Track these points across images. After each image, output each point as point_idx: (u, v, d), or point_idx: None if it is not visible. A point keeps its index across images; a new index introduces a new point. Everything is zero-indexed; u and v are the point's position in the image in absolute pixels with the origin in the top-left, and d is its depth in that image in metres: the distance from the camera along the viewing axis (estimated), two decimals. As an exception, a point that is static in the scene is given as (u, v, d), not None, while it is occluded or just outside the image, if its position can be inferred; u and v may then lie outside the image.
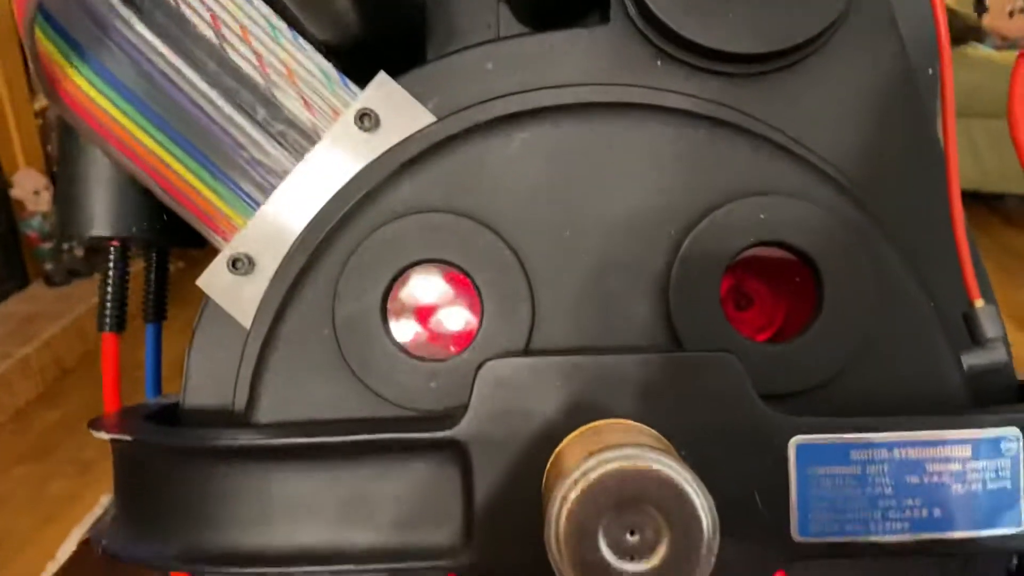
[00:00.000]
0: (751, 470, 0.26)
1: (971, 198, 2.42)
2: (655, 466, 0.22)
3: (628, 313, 0.29)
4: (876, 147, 0.31)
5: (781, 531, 0.27)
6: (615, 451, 0.22)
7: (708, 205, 0.29)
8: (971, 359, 0.31)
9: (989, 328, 0.31)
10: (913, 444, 0.27)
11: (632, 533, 0.22)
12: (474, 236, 0.29)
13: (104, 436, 0.29)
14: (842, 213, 0.30)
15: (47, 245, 2.08)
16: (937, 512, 0.27)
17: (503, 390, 0.27)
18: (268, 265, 0.32)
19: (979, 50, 2.53)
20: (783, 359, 0.29)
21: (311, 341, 0.30)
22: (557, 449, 0.26)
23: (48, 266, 2.09)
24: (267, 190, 0.34)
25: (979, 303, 0.32)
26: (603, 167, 0.30)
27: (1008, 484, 0.27)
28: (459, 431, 0.27)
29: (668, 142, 0.29)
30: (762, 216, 0.29)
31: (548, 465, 0.26)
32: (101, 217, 0.34)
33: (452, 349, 0.31)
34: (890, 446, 0.26)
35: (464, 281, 0.30)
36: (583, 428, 0.26)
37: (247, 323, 0.32)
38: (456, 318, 0.31)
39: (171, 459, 0.28)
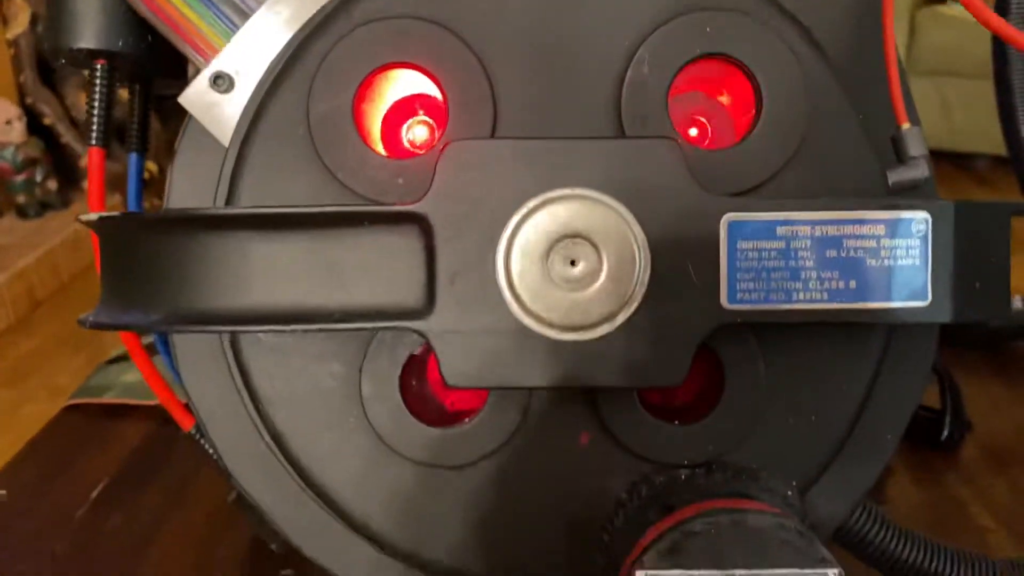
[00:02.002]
0: (687, 244, 0.29)
1: (942, 158, 2.47)
2: (599, 204, 0.25)
3: (584, 114, 0.32)
4: None
5: (712, 298, 0.29)
6: (563, 191, 0.25)
7: (660, 18, 0.32)
8: (895, 176, 0.34)
9: (913, 147, 0.34)
10: (834, 222, 0.29)
11: (573, 264, 0.25)
12: (439, 40, 0.32)
13: (93, 216, 0.32)
14: (780, 29, 0.32)
15: (20, 177, 2.08)
16: (853, 284, 0.29)
17: (464, 168, 0.29)
18: (248, 83, 0.34)
19: (953, 9, 2.56)
20: (721, 163, 0.32)
21: (287, 139, 0.32)
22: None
23: (20, 199, 2.09)
24: (247, 14, 0.36)
25: (905, 125, 0.35)
26: None
27: (917, 262, 0.30)
28: (422, 204, 0.30)
29: None
30: (708, 29, 0.32)
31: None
32: (88, 30, 0.36)
33: (420, 152, 0.33)
34: (812, 224, 0.29)
35: (432, 86, 0.33)
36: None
37: (226, 140, 0.34)
38: (424, 124, 0.34)
39: (156, 232, 0.31)
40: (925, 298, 0.30)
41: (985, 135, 2.34)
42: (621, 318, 0.25)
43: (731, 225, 0.29)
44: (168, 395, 0.38)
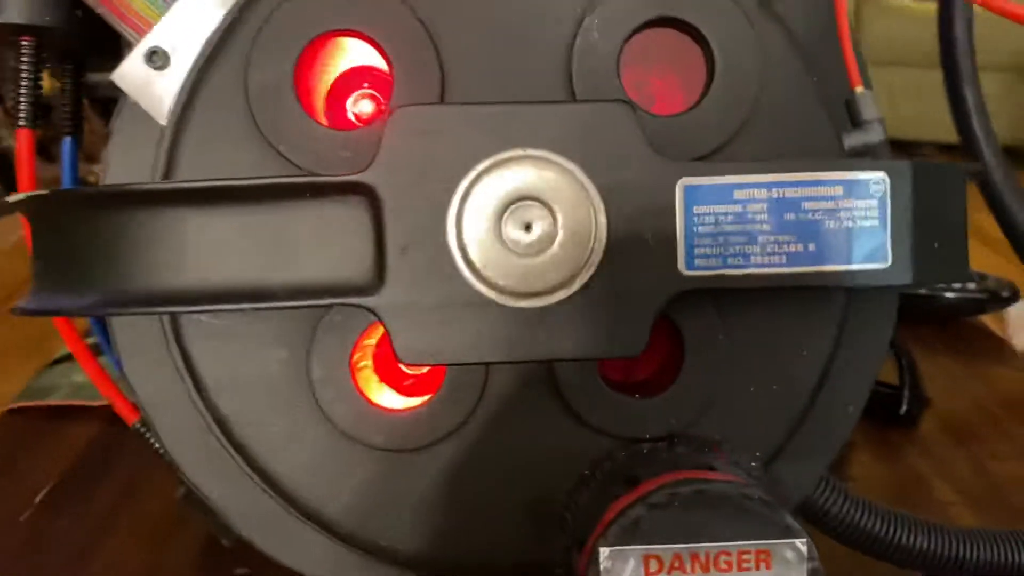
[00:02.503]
0: (642, 209, 0.28)
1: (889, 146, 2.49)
2: (552, 161, 0.24)
3: (534, 80, 0.31)
4: None
5: (669, 265, 0.29)
6: (515, 151, 0.24)
7: None
8: (850, 140, 0.33)
9: (867, 111, 0.34)
10: (791, 184, 0.29)
11: (528, 228, 0.24)
12: (382, 5, 0.31)
13: (22, 196, 0.30)
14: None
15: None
16: (811, 247, 0.29)
17: (412, 134, 0.28)
18: (184, 59, 0.33)
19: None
20: (675, 128, 0.31)
21: (226, 112, 0.31)
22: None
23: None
24: (182, -12, 0.34)
25: (859, 89, 0.34)
26: None
27: (876, 223, 0.29)
28: (368, 174, 0.28)
29: None
30: None
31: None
32: (12, 3, 0.34)
33: (361, 122, 0.32)
34: (770, 186, 0.29)
35: (375, 54, 0.32)
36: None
37: (162, 118, 0.33)
38: (370, 98, 0.33)
39: (88, 209, 0.29)
40: (885, 260, 0.29)
41: (931, 123, 2.38)
42: (578, 283, 0.24)
43: (687, 189, 0.29)
44: (110, 387, 0.37)
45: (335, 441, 0.31)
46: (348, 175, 0.28)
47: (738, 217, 0.29)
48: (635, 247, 0.28)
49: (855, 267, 0.29)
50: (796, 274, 0.29)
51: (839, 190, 0.29)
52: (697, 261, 0.29)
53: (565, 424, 0.32)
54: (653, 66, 0.33)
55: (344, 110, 0.33)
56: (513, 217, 0.24)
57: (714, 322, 0.31)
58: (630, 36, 0.31)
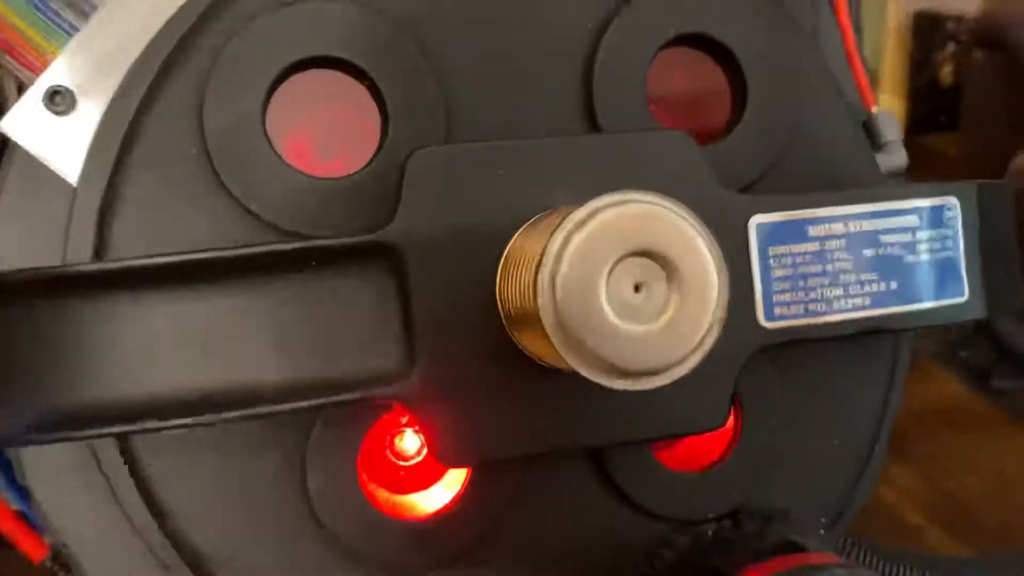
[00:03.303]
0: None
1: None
2: (671, 214, 0.19)
3: (550, 111, 0.26)
4: None
5: (749, 318, 0.24)
6: (621, 195, 0.19)
7: None
8: (882, 164, 0.31)
9: (888, 131, 0.31)
10: (867, 216, 0.25)
11: (637, 290, 0.19)
12: (373, 29, 0.25)
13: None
14: (763, 8, 0.28)
15: None
16: (893, 285, 0.26)
17: (438, 181, 0.23)
18: (97, 96, 0.26)
19: None
20: (716, 158, 0.27)
21: (175, 165, 0.24)
22: (514, 239, 0.23)
23: None
24: (88, 12, 0.27)
25: (875, 109, 0.32)
26: None
27: (952, 253, 0.26)
28: (389, 232, 0.23)
29: None
30: (683, 6, 0.27)
31: (503, 260, 0.23)
32: None
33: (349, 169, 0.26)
34: (846, 219, 0.25)
35: (358, 87, 0.26)
36: (541, 216, 0.22)
37: (72, 172, 0.25)
38: (352, 132, 0.27)
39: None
40: (963, 293, 0.26)
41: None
42: (692, 361, 0.20)
43: (759, 228, 0.25)
44: (10, 520, 0.29)
45: (343, 565, 0.25)
46: (362, 236, 0.23)
47: (816, 257, 0.25)
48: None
49: (938, 304, 0.26)
50: (881, 317, 0.25)
51: (915, 220, 0.26)
52: (777, 311, 0.25)
53: (614, 511, 0.27)
54: (674, 92, 0.29)
55: (316, 151, 0.27)
56: (617, 277, 0.19)
57: (771, 376, 0.27)
58: (655, 55, 0.27)
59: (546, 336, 0.19)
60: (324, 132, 0.26)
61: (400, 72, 0.25)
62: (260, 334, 0.22)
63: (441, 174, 0.23)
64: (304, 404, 0.22)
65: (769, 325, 0.25)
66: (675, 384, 0.23)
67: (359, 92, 0.26)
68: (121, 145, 0.24)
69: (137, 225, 0.24)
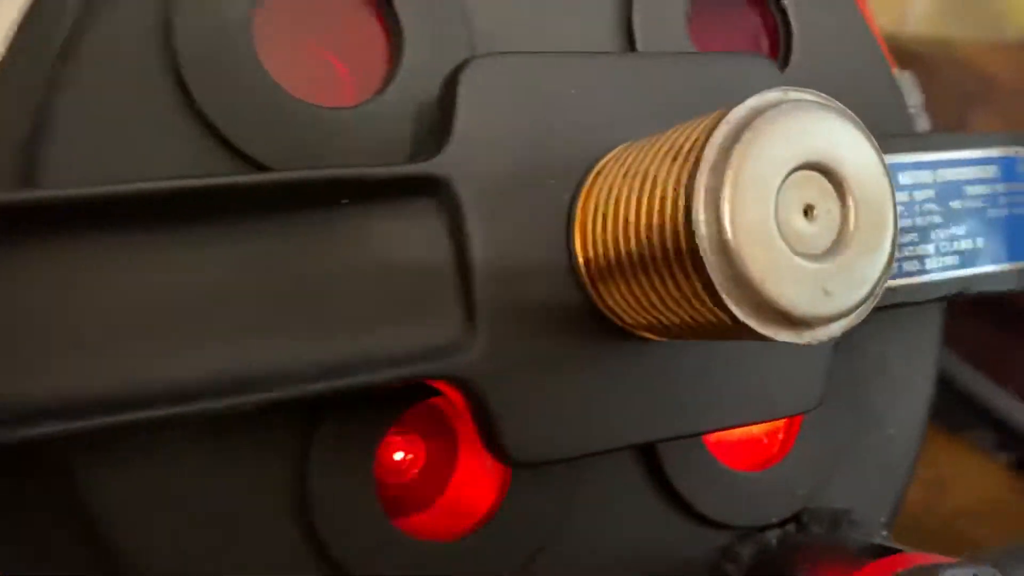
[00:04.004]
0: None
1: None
2: (845, 119, 0.15)
3: (584, 29, 0.22)
4: None
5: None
6: (781, 92, 0.15)
7: None
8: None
9: (910, 95, 0.29)
10: (951, 163, 0.22)
11: (806, 215, 0.15)
12: None
13: None
14: None
15: None
16: (980, 242, 0.23)
17: (501, 97, 0.18)
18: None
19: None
20: None
21: (130, 78, 0.18)
22: (596, 169, 0.18)
23: None
24: None
25: (897, 71, 0.29)
26: None
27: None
28: (443, 161, 0.17)
29: None
30: None
31: (585, 196, 0.18)
32: None
33: (356, 97, 0.21)
34: (934, 166, 0.22)
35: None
36: (632, 141, 0.18)
37: None
38: (354, 53, 0.21)
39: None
40: (1041, 255, 0.24)
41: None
42: (867, 308, 0.15)
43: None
44: None
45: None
46: (410, 165, 0.17)
47: (907, 208, 0.22)
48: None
49: (1019, 265, 0.23)
50: (970, 277, 0.22)
51: (994, 170, 0.23)
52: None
53: (672, 520, 0.22)
54: (716, 34, 0.25)
55: (317, 77, 0.21)
56: (787, 197, 0.15)
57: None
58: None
59: (681, 279, 0.15)
60: (320, 51, 0.21)
61: None
62: (266, 294, 0.17)
63: (504, 88, 0.18)
64: (330, 386, 0.17)
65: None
66: (774, 354, 0.19)
67: (363, 7, 0.21)
68: (63, 48, 0.18)
69: (78, 150, 0.18)
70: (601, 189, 0.17)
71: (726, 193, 0.14)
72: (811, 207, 0.15)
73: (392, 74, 0.20)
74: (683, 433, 0.19)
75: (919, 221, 0.22)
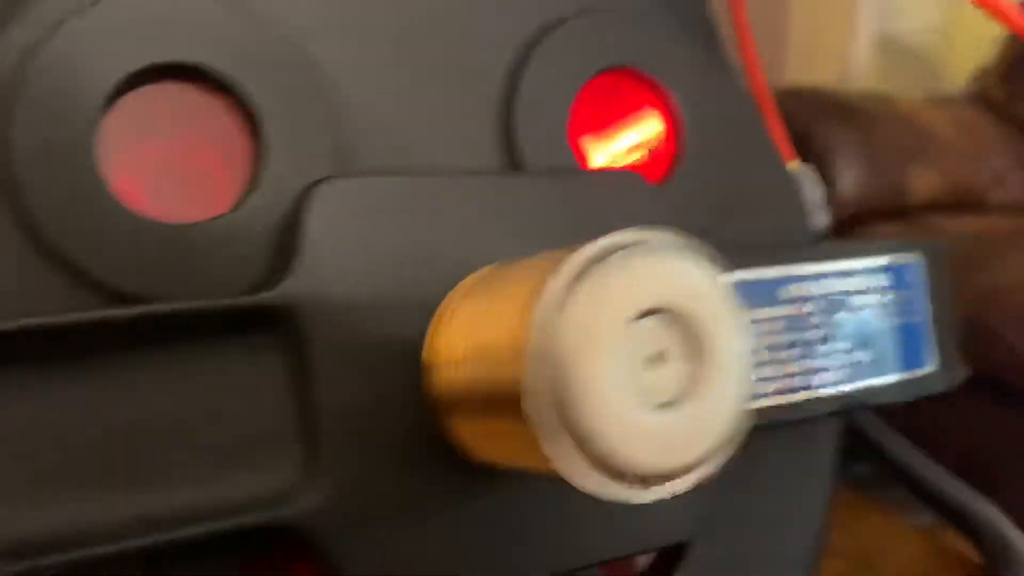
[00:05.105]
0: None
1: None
2: (695, 263, 0.14)
3: (462, 144, 0.21)
4: None
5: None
6: (634, 234, 0.14)
7: (549, 22, 0.23)
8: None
9: (809, 191, 0.29)
10: (838, 275, 0.22)
11: (652, 363, 0.14)
12: (243, 32, 0.19)
13: None
14: (694, 46, 0.25)
15: None
16: (869, 355, 0.22)
17: (350, 222, 0.17)
18: None
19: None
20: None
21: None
22: (447, 300, 0.17)
23: None
24: None
25: (794, 164, 0.29)
26: None
27: (919, 318, 0.23)
28: (286, 291, 0.16)
29: None
30: (615, 35, 0.23)
31: (435, 325, 0.17)
32: None
33: (207, 211, 0.20)
34: (818, 279, 0.21)
35: (219, 107, 0.20)
36: (489, 268, 0.17)
37: None
38: (210, 165, 0.20)
39: None
40: (933, 362, 0.23)
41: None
42: (719, 458, 0.15)
43: (736, 288, 0.20)
44: None
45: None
46: (248, 297, 0.16)
47: (790, 323, 0.21)
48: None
49: (911, 375, 0.23)
50: (859, 391, 0.22)
51: (885, 279, 0.22)
52: (754, 390, 0.20)
53: None
54: (602, 132, 0.25)
55: (168, 192, 0.20)
56: (629, 343, 0.14)
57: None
58: (579, 89, 0.23)
59: (518, 425, 0.14)
60: (173, 163, 0.20)
61: (279, 87, 0.19)
62: (77, 444, 0.15)
63: (355, 213, 0.17)
64: (150, 541, 0.15)
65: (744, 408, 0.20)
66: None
67: (220, 114, 0.20)
68: None
69: None
70: (451, 322, 0.17)
71: (562, 342, 0.13)
72: (658, 355, 0.14)
73: (250, 188, 0.19)
74: (542, 571, 0.18)
75: (803, 337, 0.21)
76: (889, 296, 0.23)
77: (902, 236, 0.82)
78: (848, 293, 0.22)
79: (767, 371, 0.21)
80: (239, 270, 0.18)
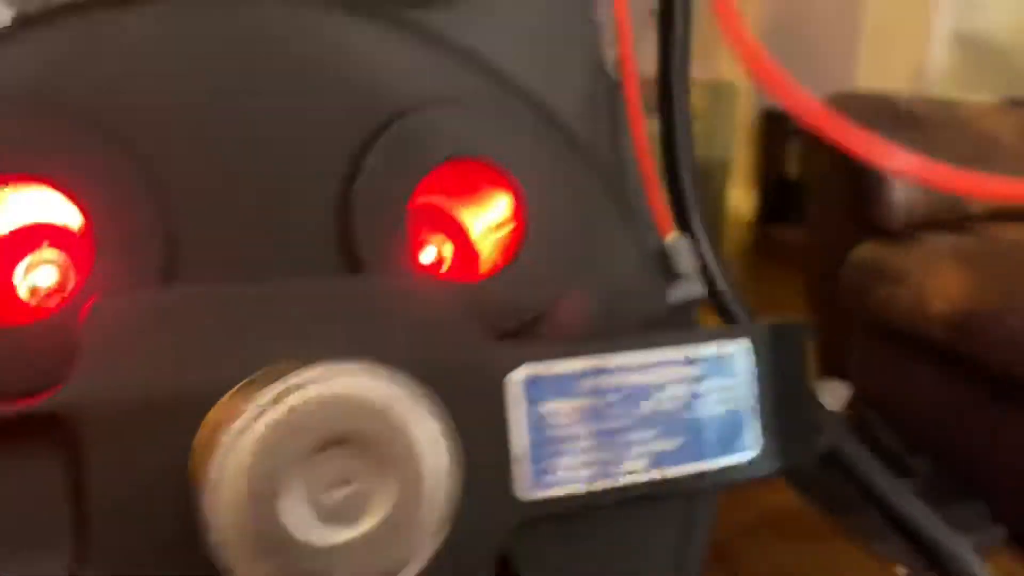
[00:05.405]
0: (473, 418, 0.21)
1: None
2: (381, 391, 0.16)
3: (298, 243, 0.22)
4: (565, 75, 0.28)
5: (506, 490, 0.21)
6: (323, 368, 0.15)
7: (392, 112, 0.24)
8: (672, 295, 0.28)
9: (683, 261, 0.29)
10: (644, 368, 0.23)
11: (338, 487, 0.15)
12: (77, 141, 0.21)
13: None
14: (542, 133, 0.26)
15: None
16: (677, 442, 0.23)
17: (123, 337, 0.19)
18: None
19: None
20: (479, 298, 0.24)
21: None
22: (215, 410, 0.18)
23: None
24: None
25: (670, 237, 0.30)
26: (257, 58, 0.23)
27: (742, 405, 0.24)
28: (61, 400, 0.18)
29: (340, 34, 0.23)
30: (458, 126, 0.24)
31: (200, 434, 0.18)
32: None
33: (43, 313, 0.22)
34: (622, 371, 0.22)
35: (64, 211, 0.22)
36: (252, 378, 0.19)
37: None
38: (49, 268, 0.22)
39: None
40: (756, 447, 0.24)
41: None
42: (411, 571, 0.16)
43: (525, 383, 0.21)
44: None
45: None
46: (21, 405, 0.18)
47: (589, 415, 0.22)
48: (467, 471, 0.20)
49: (726, 462, 0.23)
50: (667, 480, 0.23)
51: (699, 370, 0.23)
52: (547, 478, 0.21)
53: None
54: (440, 215, 0.26)
55: (11, 286, 0.22)
56: (313, 471, 0.15)
57: (554, 547, 0.24)
58: (418, 183, 0.24)
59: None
60: (18, 259, 0.22)
61: (108, 191, 0.21)
62: None
63: (127, 329, 0.19)
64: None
65: (535, 495, 0.21)
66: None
67: (66, 213, 0.22)
68: None
69: None
70: (203, 433, 0.18)
71: (232, 502, 0.15)
72: (342, 480, 0.15)
73: (80, 290, 0.21)
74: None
75: (603, 426, 0.22)
76: (704, 385, 0.23)
77: (954, 247, 0.79)
78: (657, 384, 0.23)
79: (565, 460, 0.22)
80: (44, 375, 0.19)
